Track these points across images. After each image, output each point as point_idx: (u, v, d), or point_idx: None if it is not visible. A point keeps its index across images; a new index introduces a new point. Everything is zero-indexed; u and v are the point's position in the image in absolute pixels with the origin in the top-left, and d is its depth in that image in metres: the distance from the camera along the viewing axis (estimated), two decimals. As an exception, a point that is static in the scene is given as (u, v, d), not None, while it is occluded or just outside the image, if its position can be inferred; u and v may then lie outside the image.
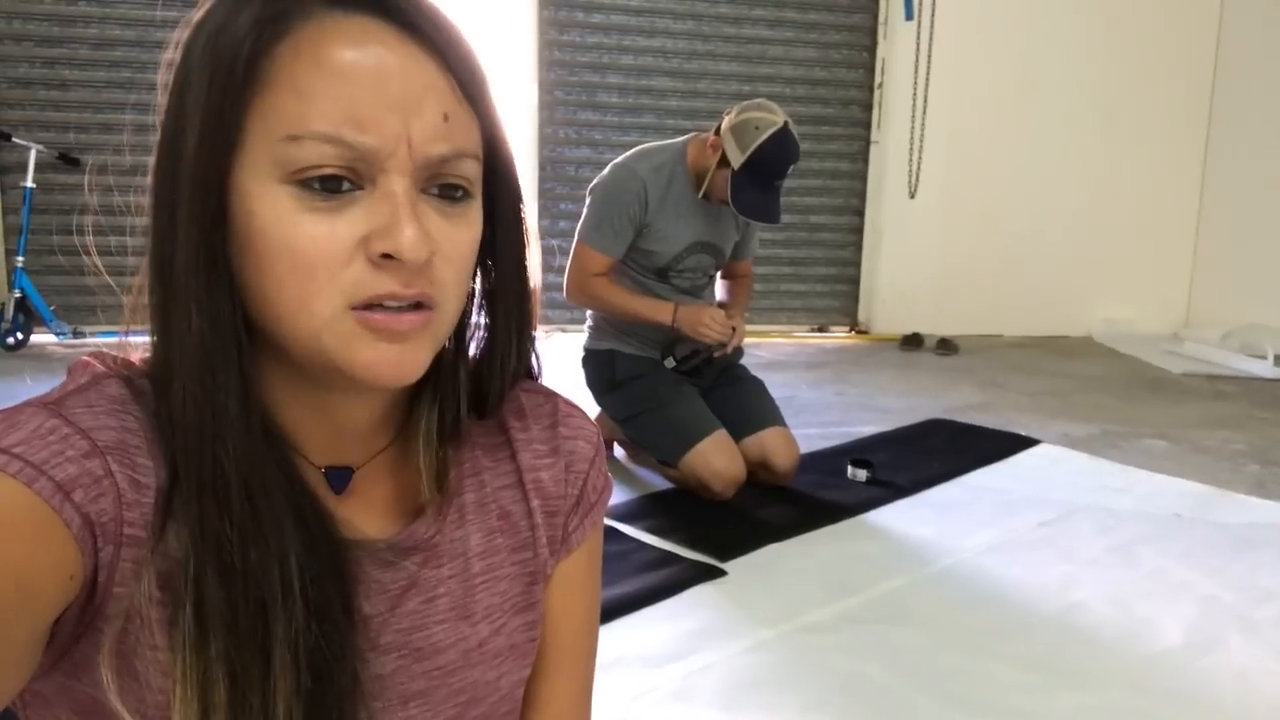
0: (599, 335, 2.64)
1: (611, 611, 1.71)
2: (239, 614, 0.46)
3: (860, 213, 5.35)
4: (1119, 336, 5.32)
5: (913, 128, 5.10)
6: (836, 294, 5.42)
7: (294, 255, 0.46)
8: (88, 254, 0.59)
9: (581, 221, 2.52)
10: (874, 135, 5.27)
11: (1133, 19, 5.32)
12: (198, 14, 0.48)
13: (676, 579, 1.90)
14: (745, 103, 2.40)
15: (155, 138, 0.49)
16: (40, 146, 4.02)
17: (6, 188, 4.25)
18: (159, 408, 0.49)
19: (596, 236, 2.47)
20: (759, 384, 2.66)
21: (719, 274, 2.72)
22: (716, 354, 2.53)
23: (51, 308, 4.07)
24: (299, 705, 0.47)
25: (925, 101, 5.04)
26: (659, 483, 2.57)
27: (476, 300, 0.58)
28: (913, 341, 5.01)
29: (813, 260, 5.33)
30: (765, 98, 2.51)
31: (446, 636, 0.57)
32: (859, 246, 5.38)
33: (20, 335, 4.02)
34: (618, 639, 1.63)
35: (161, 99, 0.49)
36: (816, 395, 3.73)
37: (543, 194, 4.89)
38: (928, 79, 5.01)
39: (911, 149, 5.12)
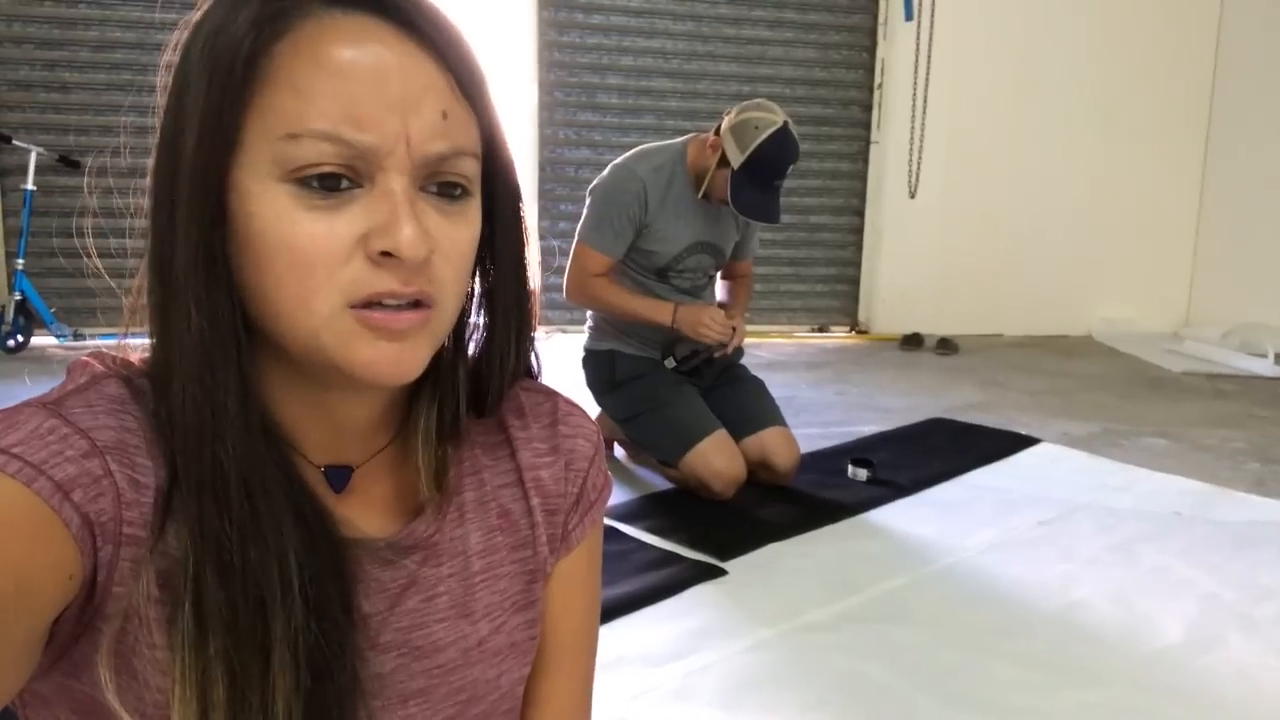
0: (599, 335, 2.64)
1: (612, 611, 1.71)
2: (238, 613, 0.46)
3: (860, 213, 5.35)
4: (1119, 335, 5.32)
5: (913, 128, 5.10)
6: (836, 294, 5.41)
7: (293, 253, 0.46)
8: (88, 256, 0.59)
9: (581, 222, 2.52)
10: (874, 135, 5.27)
11: (1132, 19, 5.32)
12: (196, 15, 0.49)
13: (677, 578, 1.90)
14: (745, 103, 2.40)
15: (154, 139, 0.49)
16: (40, 149, 4.02)
17: (7, 190, 4.25)
18: (158, 407, 0.49)
19: (596, 237, 2.47)
20: (759, 384, 2.66)
21: (719, 274, 2.72)
22: (717, 354, 2.53)
23: (52, 310, 4.07)
24: (298, 704, 0.47)
25: (925, 102, 5.04)
26: (659, 483, 2.57)
27: (476, 299, 0.58)
28: (913, 341, 5.01)
29: (813, 260, 5.33)
30: (765, 98, 2.50)
31: (446, 635, 0.57)
32: (859, 246, 5.38)
33: (20, 338, 4.02)
34: (618, 638, 1.63)
35: (161, 100, 0.49)
36: (817, 395, 3.73)
37: (542, 194, 4.89)
38: (927, 79, 5.01)
39: (911, 149, 5.12)
